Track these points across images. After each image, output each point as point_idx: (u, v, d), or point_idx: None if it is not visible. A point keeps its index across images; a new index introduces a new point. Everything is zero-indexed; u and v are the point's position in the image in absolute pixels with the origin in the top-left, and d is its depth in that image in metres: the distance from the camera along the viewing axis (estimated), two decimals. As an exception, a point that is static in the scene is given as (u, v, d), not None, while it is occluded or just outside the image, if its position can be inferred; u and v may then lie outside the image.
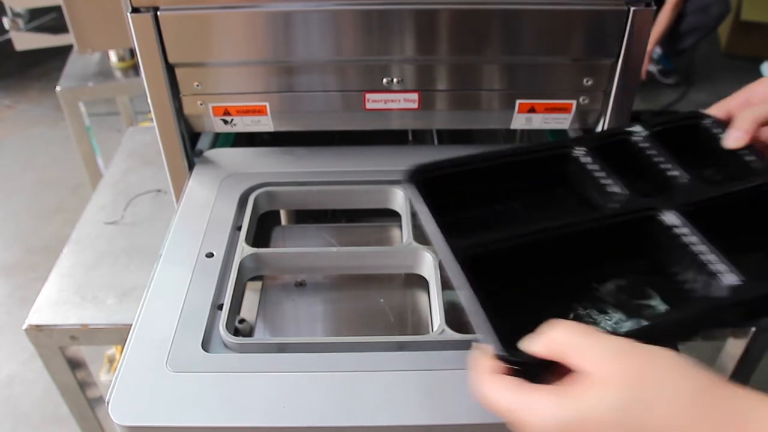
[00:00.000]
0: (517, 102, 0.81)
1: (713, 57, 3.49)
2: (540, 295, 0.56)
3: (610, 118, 0.80)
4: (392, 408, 0.54)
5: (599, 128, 0.83)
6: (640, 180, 0.62)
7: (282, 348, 0.60)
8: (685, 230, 0.54)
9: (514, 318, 0.44)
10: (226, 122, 0.82)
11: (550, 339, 0.40)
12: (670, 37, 3.00)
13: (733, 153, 0.62)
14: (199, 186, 0.82)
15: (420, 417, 0.54)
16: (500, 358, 0.41)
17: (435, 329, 0.62)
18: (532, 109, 0.81)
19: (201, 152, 0.88)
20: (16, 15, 1.99)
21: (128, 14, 0.71)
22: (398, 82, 0.78)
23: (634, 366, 0.36)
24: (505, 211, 0.65)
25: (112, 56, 1.83)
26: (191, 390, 0.56)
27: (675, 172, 0.61)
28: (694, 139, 0.66)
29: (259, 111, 0.81)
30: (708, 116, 0.66)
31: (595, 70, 0.78)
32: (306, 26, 0.73)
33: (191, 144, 0.86)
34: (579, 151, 0.64)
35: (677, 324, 0.48)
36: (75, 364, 0.93)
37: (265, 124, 0.83)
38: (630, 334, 0.42)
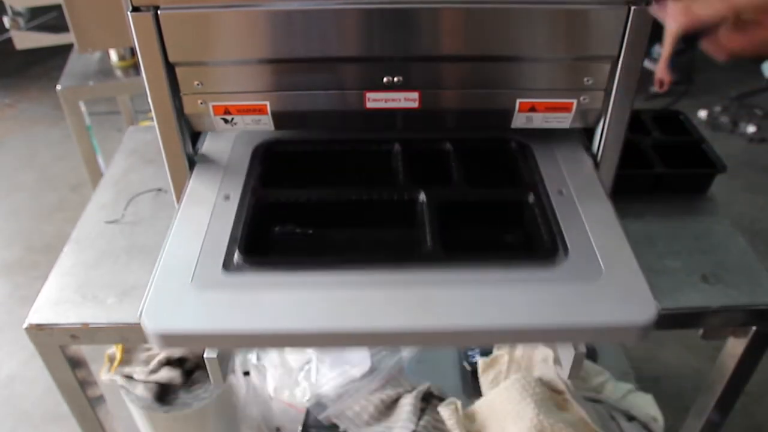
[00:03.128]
0: (518, 101, 0.81)
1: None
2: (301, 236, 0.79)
3: (611, 117, 0.80)
4: (390, 314, 0.63)
5: (600, 128, 0.83)
6: (433, 175, 0.83)
7: (294, 266, 0.68)
8: (426, 210, 0.76)
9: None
10: (226, 121, 0.82)
11: None
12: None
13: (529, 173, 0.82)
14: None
15: (413, 322, 0.62)
16: None
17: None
18: (532, 109, 0.81)
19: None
20: (16, 14, 1.99)
21: (129, 13, 0.71)
22: (398, 81, 0.78)
23: None
24: (323, 181, 0.84)
25: (113, 55, 1.83)
26: (213, 303, 0.64)
27: (455, 175, 0.83)
28: (504, 155, 0.89)
29: (260, 110, 0.81)
30: (513, 139, 0.87)
31: (596, 69, 0.78)
32: (306, 25, 0.73)
33: (192, 143, 0.87)
34: (397, 149, 0.86)
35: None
36: (75, 363, 0.93)
37: (265, 123, 0.83)
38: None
